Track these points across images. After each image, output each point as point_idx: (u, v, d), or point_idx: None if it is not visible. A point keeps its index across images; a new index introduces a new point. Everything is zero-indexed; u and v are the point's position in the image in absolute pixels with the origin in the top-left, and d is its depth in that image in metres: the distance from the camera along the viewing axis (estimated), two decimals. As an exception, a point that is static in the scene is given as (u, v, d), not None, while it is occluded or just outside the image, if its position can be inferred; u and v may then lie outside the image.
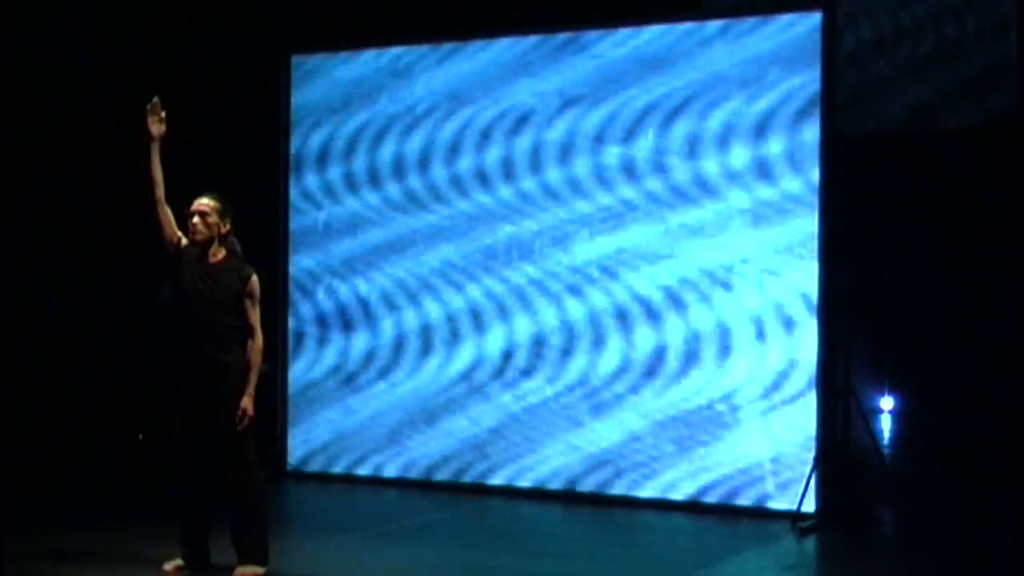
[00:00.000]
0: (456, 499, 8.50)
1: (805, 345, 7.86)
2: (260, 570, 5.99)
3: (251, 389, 5.97)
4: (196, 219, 6.00)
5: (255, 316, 6.05)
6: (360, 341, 9.17)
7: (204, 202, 6.02)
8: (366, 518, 7.98)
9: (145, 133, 5.96)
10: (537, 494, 8.50)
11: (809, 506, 7.65)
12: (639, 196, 8.34)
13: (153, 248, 6.19)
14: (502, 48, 8.79)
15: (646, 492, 8.23)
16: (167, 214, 6.02)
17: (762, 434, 7.95)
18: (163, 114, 5.97)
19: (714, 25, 8.21)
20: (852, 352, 8.07)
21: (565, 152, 8.56)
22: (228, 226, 6.06)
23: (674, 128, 8.25)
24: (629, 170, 8.38)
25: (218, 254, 6.04)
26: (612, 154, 8.42)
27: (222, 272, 6.01)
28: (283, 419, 9.33)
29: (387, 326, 9.10)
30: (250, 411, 5.95)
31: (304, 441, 9.29)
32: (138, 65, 9.20)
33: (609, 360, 8.39)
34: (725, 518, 7.89)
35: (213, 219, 6.00)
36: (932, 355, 10.67)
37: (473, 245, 8.81)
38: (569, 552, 7.03)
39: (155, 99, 5.97)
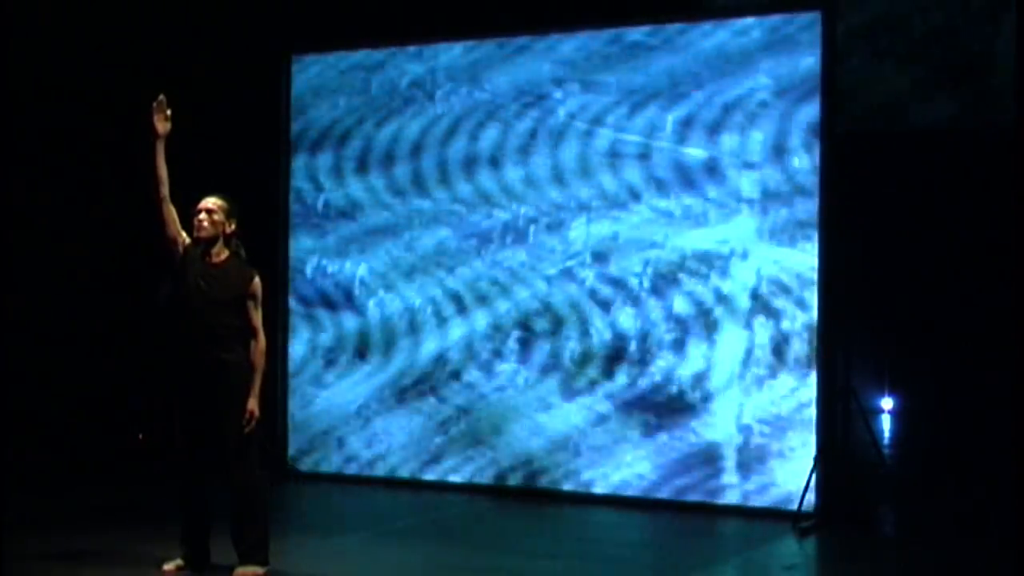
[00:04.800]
0: (456, 499, 8.50)
1: (804, 339, 7.87)
2: (260, 570, 5.99)
3: (256, 390, 5.98)
4: (202, 215, 6.00)
5: (257, 317, 6.06)
6: (353, 328, 9.19)
7: (212, 200, 6.03)
8: (366, 518, 7.99)
9: (150, 131, 5.96)
10: (536, 493, 8.50)
11: (809, 506, 7.66)
12: (634, 182, 8.36)
13: (155, 247, 6.18)
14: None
15: (647, 488, 8.25)
16: (171, 212, 6.01)
17: (760, 432, 7.96)
18: (168, 112, 5.97)
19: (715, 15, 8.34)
20: (852, 352, 8.06)
21: (561, 137, 8.59)
22: (233, 227, 6.06)
23: (670, 116, 8.27)
24: (624, 156, 8.39)
25: (221, 254, 6.04)
26: (608, 139, 8.43)
27: (225, 272, 6.01)
28: (283, 419, 9.33)
29: (377, 313, 9.12)
30: (256, 413, 5.96)
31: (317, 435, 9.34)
32: (139, 65, 9.20)
33: (614, 352, 8.39)
34: (725, 518, 7.89)
35: (219, 217, 6.01)
36: (932, 355, 10.66)
37: (469, 230, 8.84)
38: (568, 552, 7.03)
39: (160, 97, 5.97)
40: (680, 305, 8.22)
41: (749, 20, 8.12)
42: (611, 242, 8.42)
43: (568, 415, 8.50)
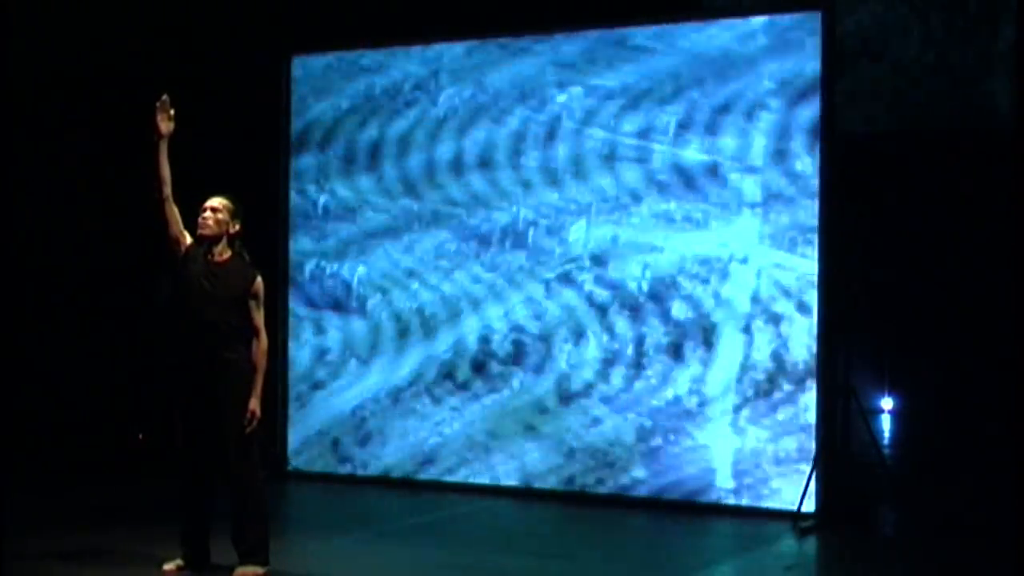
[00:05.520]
0: (455, 499, 8.50)
1: (804, 344, 7.87)
2: (260, 570, 5.99)
3: (258, 390, 5.98)
4: (207, 213, 6.00)
5: (259, 317, 6.06)
6: (351, 329, 9.19)
7: (217, 200, 6.04)
8: (366, 518, 7.99)
9: (154, 131, 5.95)
10: (536, 493, 8.50)
11: (809, 506, 7.66)
12: (635, 186, 8.36)
13: (154, 246, 6.18)
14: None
15: (648, 483, 8.24)
16: (174, 212, 6.02)
17: (758, 432, 7.96)
18: (171, 112, 5.96)
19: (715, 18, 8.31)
20: (852, 352, 8.06)
21: (562, 139, 8.58)
22: (237, 227, 6.06)
23: (671, 119, 8.26)
24: (625, 159, 8.39)
25: (224, 253, 6.04)
26: (609, 142, 8.43)
27: (227, 271, 6.01)
28: (283, 419, 9.33)
29: (375, 314, 9.12)
30: (258, 413, 5.96)
31: (311, 436, 9.33)
32: (139, 65, 9.20)
33: (609, 355, 8.39)
34: (725, 518, 7.89)
35: (223, 216, 6.01)
36: (932, 355, 10.65)
37: (469, 232, 8.83)
38: (569, 552, 7.03)
39: (164, 97, 5.96)
40: (679, 309, 8.22)
41: (753, 24, 8.09)
42: (610, 245, 8.42)
43: (564, 418, 8.50)
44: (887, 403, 12.35)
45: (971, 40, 9.28)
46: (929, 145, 9.77)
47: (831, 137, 7.94)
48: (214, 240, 6.02)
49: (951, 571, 6.77)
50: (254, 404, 5.95)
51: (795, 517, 7.58)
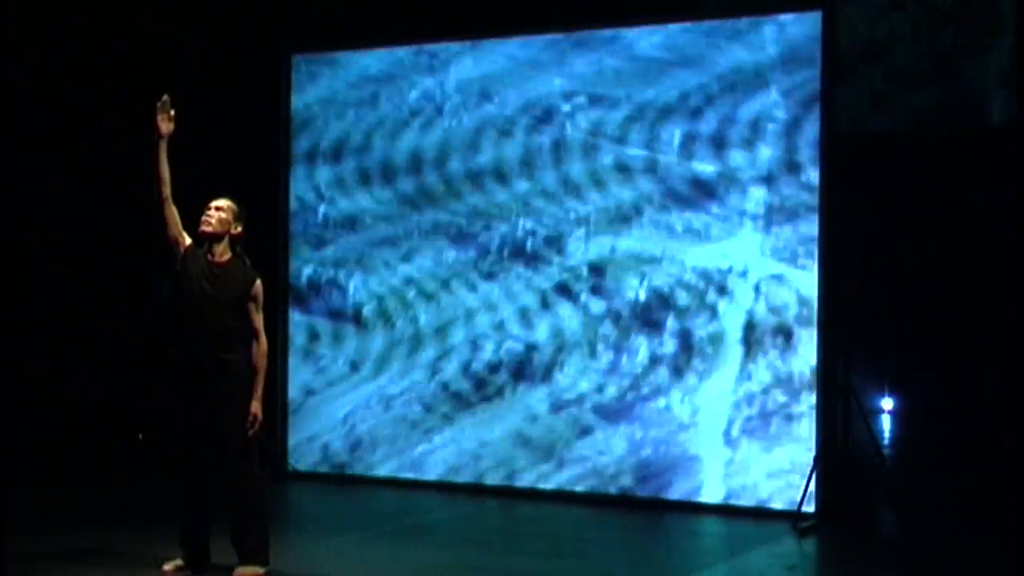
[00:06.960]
0: (456, 499, 8.50)
1: (805, 347, 7.87)
2: (260, 570, 5.99)
3: (259, 393, 5.98)
4: (211, 211, 6.00)
5: (259, 319, 6.06)
6: (357, 340, 9.18)
7: (223, 200, 6.05)
8: (366, 518, 7.99)
9: (153, 131, 5.95)
10: (536, 495, 8.50)
11: (809, 506, 7.66)
12: (636, 197, 8.35)
13: (154, 246, 6.18)
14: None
15: (645, 493, 8.24)
16: (173, 213, 6.01)
17: (761, 436, 7.96)
18: (172, 112, 5.96)
19: (713, 24, 8.25)
20: (852, 352, 8.06)
21: (559, 153, 8.57)
22: (239, 229, 6.06)
23: (672, 129, 8.25)
24: (625, 171, 8.38)
25: (225, 255, 6.03)
26: (601, 152, 8.43)
27: (227, 273, 6.00)
28: (283, 419, 9.33)
29: (384, 326, 9.11)
30: (260, 415, 5.96)
31: (302, 442, 9.32)
32: (140, 65, 9.20)
33: (605, 365, 8.38)
34: (724, 519, 7.90)
35: (226, 216, 6.01)
36: (932, 355, 10.66)
37: (472, 244, 8.82)
38: (569, 552, 7.03)
39: (164, 97, 5.95)
40: (677, 319, 8.20)
41: (757, 31, 8.05)
42: (609, 255, 8.40)
43: (556, 427, 8.50)
44: (887, 403, 12.37)
45: (971, 46, 9.29)
46: (929, 147, 9.78)
47: (832, 141, 7.92)
48: (215, 239, 6.01)
49: (951, 571, 6.77)
50: (255, 406, 5.95)
51: (795, 517, 7.58)
